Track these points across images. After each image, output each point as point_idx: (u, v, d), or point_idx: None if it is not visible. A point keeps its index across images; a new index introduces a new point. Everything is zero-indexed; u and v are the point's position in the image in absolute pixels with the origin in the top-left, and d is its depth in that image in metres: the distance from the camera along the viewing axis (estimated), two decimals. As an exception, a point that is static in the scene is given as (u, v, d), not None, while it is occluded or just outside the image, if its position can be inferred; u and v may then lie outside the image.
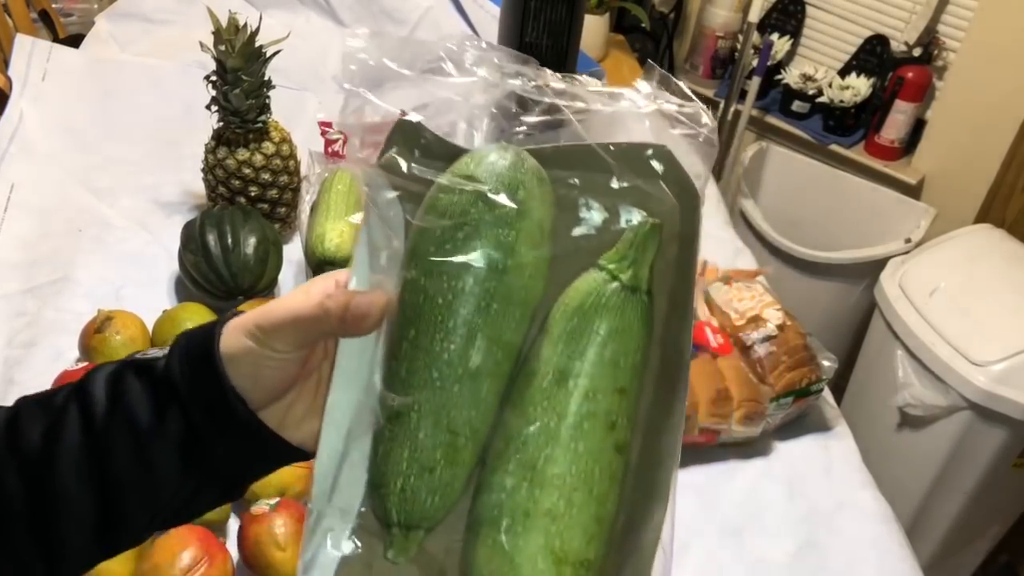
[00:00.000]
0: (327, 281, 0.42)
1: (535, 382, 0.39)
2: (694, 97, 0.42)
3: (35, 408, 0.45)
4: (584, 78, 0.43)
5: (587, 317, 0.40)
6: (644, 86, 0.43)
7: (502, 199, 0.39)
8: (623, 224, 0.41)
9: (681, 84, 0.42)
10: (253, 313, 0.41)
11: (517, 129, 0.43)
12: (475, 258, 0.39)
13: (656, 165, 0.41)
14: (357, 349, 0.41)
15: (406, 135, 0.42)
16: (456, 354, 0.39)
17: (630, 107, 0.42)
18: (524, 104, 0.43)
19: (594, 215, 0.41)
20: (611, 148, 0.41)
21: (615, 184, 0.41)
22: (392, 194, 0.42)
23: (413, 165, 0.42)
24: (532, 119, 0.43)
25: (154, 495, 0.42)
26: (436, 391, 0.39)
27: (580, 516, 0.38)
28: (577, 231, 0.41)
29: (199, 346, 0.41)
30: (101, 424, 0.42)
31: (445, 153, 0.42)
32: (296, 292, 0.41)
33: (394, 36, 0.43)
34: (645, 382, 0.41)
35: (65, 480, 0.41)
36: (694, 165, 0.42)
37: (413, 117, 0.42)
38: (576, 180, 0.42)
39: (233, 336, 0.41)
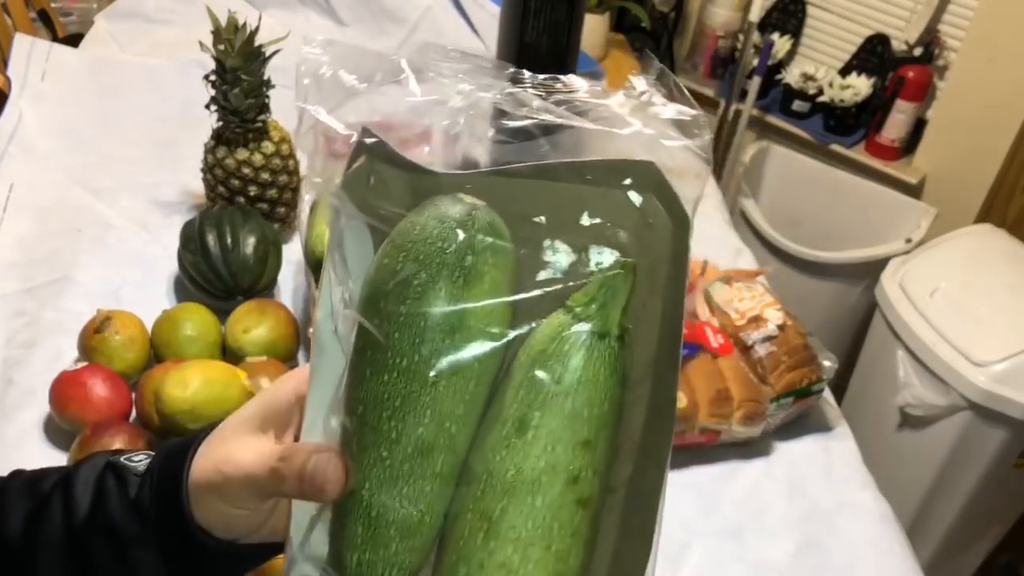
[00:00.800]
0: (294, 380, 0.41)
1: (496, 429, 0.37)
2: (692, 100, 0.39)
3: (22, 490, 0.45)
4: (569, 79, 0.40)
5: (548, 362, 0.37)
6: (640, 83, 0.40)
7: (447, 271, 0.37)
8: (592, 267, 0.38)
9: (681, 86, 0.39)
10: (215, 458, 0.40)
11: (495, 137, 0.40)
12: (418, 334, 0.37)
13: (635, 195, 0.38)
14: (329, 385, 0.40)
15: (369, 156, 0.40)
16: (404, 433, 0.37)
17: (614, 121, 0.39)
18: (499, 114, 0.40)
19: (560, 258, 0.38)
20: (590, 165, 0.38)
21: (586, 220, 0.38)
22: (355, 221, 0.39)
23: (371, 194, 0.39)
24: (511, 125, 0.39)
25: None
26: (386, 468, 0.37)
27: (536, 572, 0.37)
28: (542, 275, 0.38)
29: (169, 481, 0.41)
30: (81, 526, 0.42)
31: (411, 172, 0.39)
32: (251, 431, 0.41)
33: (351, 44, 0.39)
34: (633, 417, 0.39)
35: (48, 572, 0.42)
36: (684, 185, 0.38)
37: (371, 139, 0.39)
38: (543, 218, 0.38)
39: (201, 477, 0.41)
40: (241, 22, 1.03)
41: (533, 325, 0.38)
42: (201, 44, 1.04)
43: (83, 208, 1.19)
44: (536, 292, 0.38)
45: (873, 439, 1.45)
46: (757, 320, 1.01)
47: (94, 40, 1.56)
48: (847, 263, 1.87)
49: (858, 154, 2.01)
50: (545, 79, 0.40)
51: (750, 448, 0.98)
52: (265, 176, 1.11)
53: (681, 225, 0.38)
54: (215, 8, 1.04)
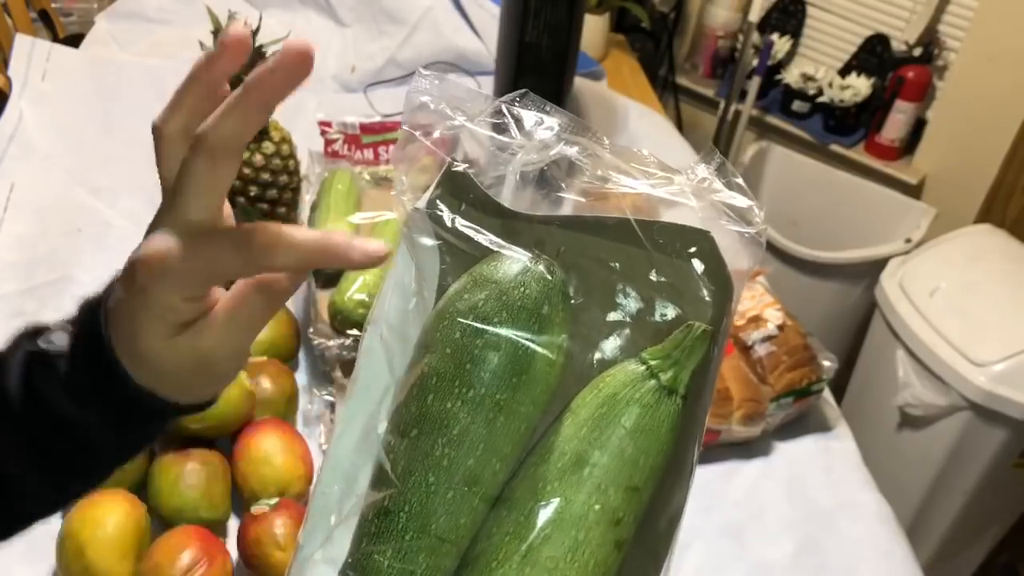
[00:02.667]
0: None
1: (551, 460, 0.39)
2: (748, 191, 0.42)
3: None
4: (640, 152, 0.43)
5: (617, 408, 0.39)
6: (701, 169, 0.42)
7: (525, 315, 0.39)
8: (657, 317, 0.41)
9: (738, 176, 0.42)
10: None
11: (564, 194, 0.42)
12: (490, 369, 0.38)
13: (697, 262, 0.41)
14: (370, 394, 0.41)
15: (454, 185, 0.42)
16: (456, 462, 0.38)
17: (680, 194, 0.41)
18: (574, 170, 0.42)
19: (630, 303, 0.41)
20: (654, 226, 0.41)
21: (653, 276, 0.41)
22: (431, 242, 0.41)
23: (457, 219, 0.41)
24: (580, 186, 0.42)
25: (95, 456, 0.42)
26: (429, 496, 0.38)
27: None
28: (612, 316, 0.41)
29: (93, 351, 0.39)
30: (22, 415, 0.41)
31: (492, 210, 0.42)
32: None
33: (460, 83, 0.42)
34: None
35: None
36: (736, 259, 0.41)
37: (461, 166, 0.42)
38: (616, 264, 0.41)
39: (130, 345, 0.38)
40: (241, 22, 1.03)
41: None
42: (201, 44, 1.04)
43: (83, 208, 1.19)
44: (605, 328, 0.41)
45: (873, 439, 1.45)
46: (757, 320, 1.01)
47: (94, 40, 1.56)
48: (847, 263, 1.87)
49: (858, 154, 2.01)
50: (620, 150, 0.42)
51: (750, 448, 0.98)
52: (265, 176, 1.11)
53: (725, 295, 0.41)
54: (215, 8, 1.04)
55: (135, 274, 0.36)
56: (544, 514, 0.38)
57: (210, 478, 0.79)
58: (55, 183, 1.22)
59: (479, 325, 0.38)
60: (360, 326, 0.92)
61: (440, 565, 0.38)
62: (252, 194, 1.11)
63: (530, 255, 0.40)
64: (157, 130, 0.39)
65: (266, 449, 0.81)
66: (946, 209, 1.89)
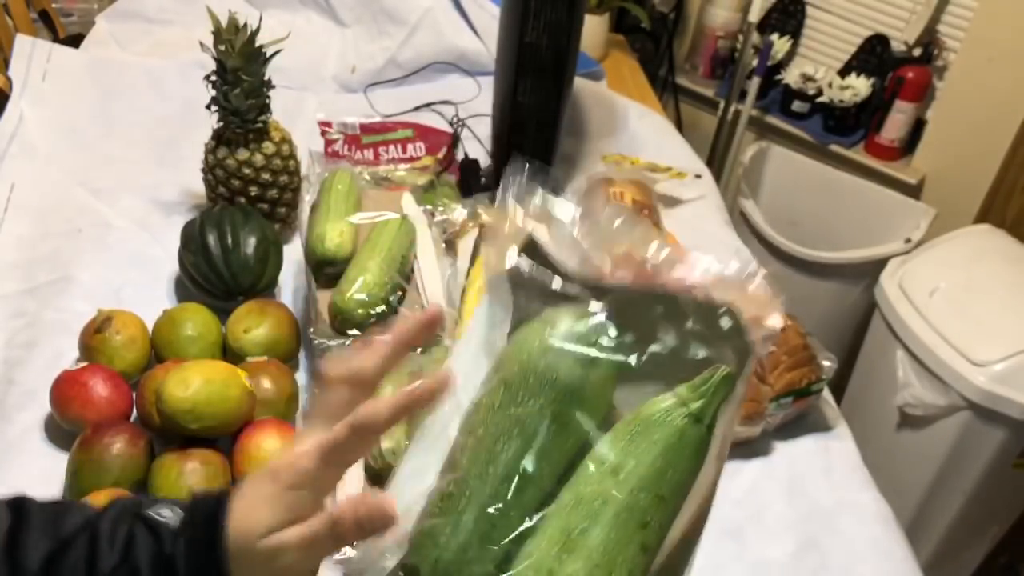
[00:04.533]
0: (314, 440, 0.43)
1: (592, 465, 0.47)
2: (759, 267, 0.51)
3: (40, 526, 0.45)
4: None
5: (651, 427, 0.48)
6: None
7: (585, 343, 0.48)
8: (691, 355, 0.49)
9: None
10: (260, 522, 0.42)
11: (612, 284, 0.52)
12: (551, 383, 0.47)
13: (725, 319, 0.49)
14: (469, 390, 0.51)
15: (531, 251, 0.53)
16: (513, 458, 0.47)
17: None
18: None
19: (669, 339, 0.50)
20: (693, 300, 0.50)
21: (689, 325, 0.49)
22: (507, 286, 0.53)
23: (534, 267, 0.53)
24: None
25: None
26: (487, 484, 0.46)
27: None
28: (653, 348, 0.49)
29: (205, 542, 0.42)
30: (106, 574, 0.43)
31: (560, 273, 0.52)
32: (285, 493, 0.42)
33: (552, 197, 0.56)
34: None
35: None
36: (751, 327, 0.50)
37: (538, 237, 0.53)
38: (660, 309, 0.50)
39: (241, 539, 0.42)
40: (241, 23, 1.03)
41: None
42: (202, 44, 1.04)
43: (84, 208, 1.19)
44: (649, 359, 0.49)
45: (873, 439, 1.45)
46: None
47: (95, 41, 1.56)
48: (847, 263, 1.87)
49: (858, 154, 2.01)
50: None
51: (750, 448, 0.98)
52: (266, 176, 1.11)
53: (744, 356, 0.50)
54: (215, 8, 1.04)
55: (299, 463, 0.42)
56: (583, 511, 0.45)
57: (210, 477, 0.79)
58: (55, 183, 1.22)
59: (543, 354, 0.48)
60: (360, 326, 0.92)
61: (491, 539, 0.45)
62: (252, 194, 1.11)
63: (590, 302, 0.50)
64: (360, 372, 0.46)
65: (266, 449, 0.81)
66: (946, 209, 1.89)
